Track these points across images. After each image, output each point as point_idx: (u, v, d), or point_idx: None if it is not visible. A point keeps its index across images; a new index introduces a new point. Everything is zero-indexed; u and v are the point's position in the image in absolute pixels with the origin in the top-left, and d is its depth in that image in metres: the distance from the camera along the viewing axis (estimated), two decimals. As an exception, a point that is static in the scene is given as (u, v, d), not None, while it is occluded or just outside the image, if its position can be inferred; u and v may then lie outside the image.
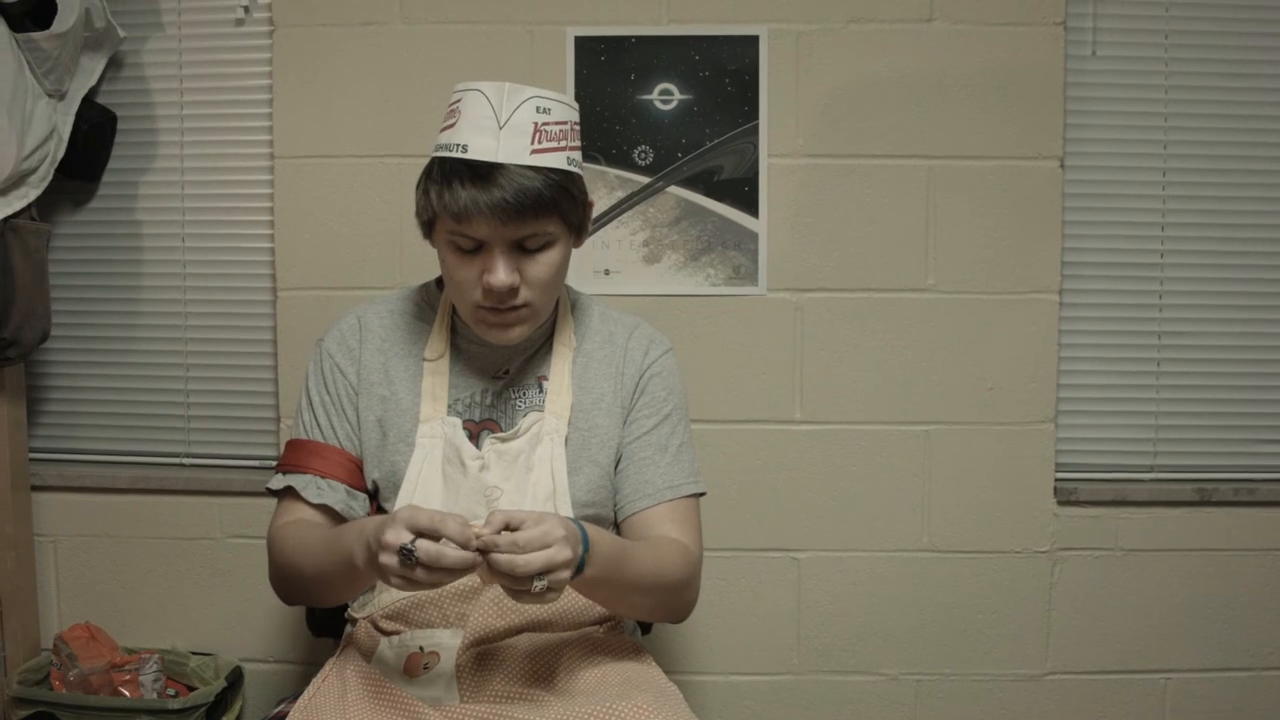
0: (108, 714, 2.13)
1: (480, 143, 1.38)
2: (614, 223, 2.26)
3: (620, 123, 2.24)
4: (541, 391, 1.56)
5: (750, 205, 2.25)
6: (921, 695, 2.34)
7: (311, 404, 1.57)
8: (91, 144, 2.27)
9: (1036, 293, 2.26)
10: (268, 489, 1.58)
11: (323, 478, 1.53)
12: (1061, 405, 2.32)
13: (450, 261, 1.45)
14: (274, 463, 1.89)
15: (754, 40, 2.23)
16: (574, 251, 1.54)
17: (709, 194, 2.25)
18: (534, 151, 1.39)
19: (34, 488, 2.35)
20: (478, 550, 1.22)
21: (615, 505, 1.58)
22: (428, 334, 1.58)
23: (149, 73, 2.35)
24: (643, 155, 2.25)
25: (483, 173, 1.37)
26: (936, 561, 2.31)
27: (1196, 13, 2.31)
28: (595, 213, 1.69)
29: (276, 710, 1.64)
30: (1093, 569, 2.32)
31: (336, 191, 2.27)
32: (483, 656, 1.46)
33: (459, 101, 1.43)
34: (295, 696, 1.52)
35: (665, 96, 2.24)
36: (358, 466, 1.55)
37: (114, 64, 2.32)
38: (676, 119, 2.25)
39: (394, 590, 1.48)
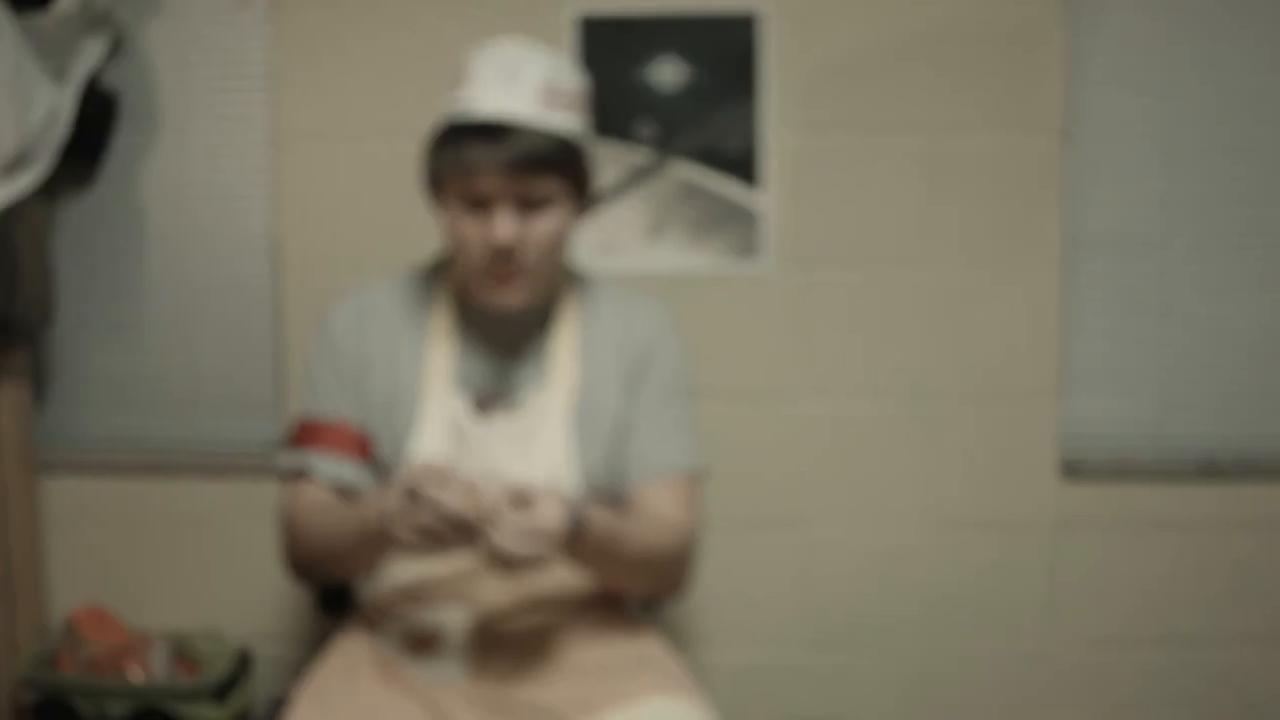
0: (117, 695, 2.14)
1: (490, 100, 1.40)
2: (616, 201, 2.26)
3: (622, 100, 2.24)
4: (547, 368, 1.56)
5: (752, 180, 2.25)
6: (926, 671, 2.35)
7: (318, 382, 1.57)
8: (94, 126, 2.26)
9: (1037, 265, 2.26)
10: (278, 468, 1.58)
11: (333, 454, 1.53)
12: (1066, 379, 2.31)
13: (456, 222, 1.46)
14: (278, 442, 1.89)
15: (753, 15, 2.22)
16: (578, 230, 1.54)
17: (711, 169, 2.25)
18: (543, 108, 1.40)
19: (41, 470, 2.36)
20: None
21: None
22: (433, 311, 1.58)
23: (151, 54, 2.34)
24: (644, 133, 2.24)
25: (491, 129, 1.38)
26: (941, 536, 2.32)
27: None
28: (597, 191, 1.69)
29: (285, 690, 1.64)
30: (1097, 543, 2.32)
31: (339, 171, 2.27)
32: (490, 635, 1.47)
33: (470, 61, 1.44)
34: (304, 676, 1.53)
35: (667, 72, 2.24)
36: (367, 442, 1.56)
37: (116, 45, 2.31)
38: (678, 95, 2.24)
39: (402, 569, 1.49)
